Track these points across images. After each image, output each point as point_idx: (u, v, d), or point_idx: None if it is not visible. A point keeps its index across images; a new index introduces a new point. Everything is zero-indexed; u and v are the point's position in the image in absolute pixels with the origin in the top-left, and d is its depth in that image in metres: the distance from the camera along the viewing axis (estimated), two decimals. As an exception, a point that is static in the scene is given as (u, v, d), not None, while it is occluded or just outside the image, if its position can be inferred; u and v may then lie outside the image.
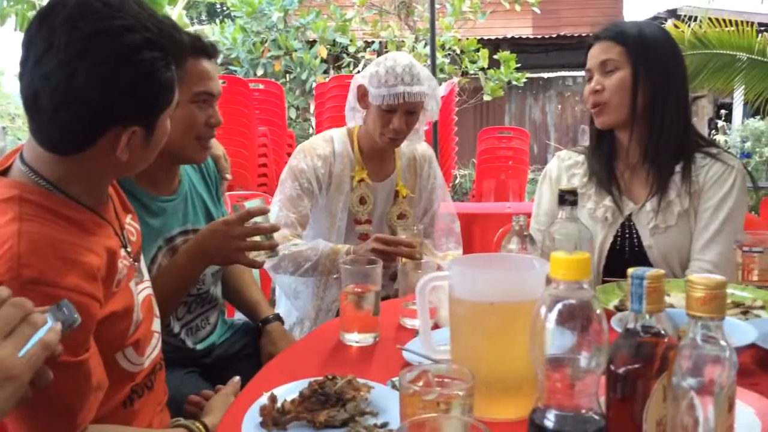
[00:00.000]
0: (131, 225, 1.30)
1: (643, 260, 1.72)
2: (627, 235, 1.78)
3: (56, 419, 1.02)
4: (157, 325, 1.30)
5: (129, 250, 1.22)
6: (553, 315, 0.73)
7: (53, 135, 1.08)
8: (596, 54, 1.76)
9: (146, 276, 1.31)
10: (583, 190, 1.83)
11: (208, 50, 1.56)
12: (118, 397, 1.17)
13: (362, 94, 2.12)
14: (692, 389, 0.70)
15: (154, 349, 1.28)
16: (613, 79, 1.72)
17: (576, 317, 0.73)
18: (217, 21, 9.51)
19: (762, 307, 1.40)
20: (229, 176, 1.83)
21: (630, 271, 0.76)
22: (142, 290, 1.25)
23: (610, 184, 1.80)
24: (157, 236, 1.55)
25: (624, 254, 1.77)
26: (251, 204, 1.53)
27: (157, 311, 1.31)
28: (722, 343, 0.70)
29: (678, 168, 1.75)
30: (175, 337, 1.63)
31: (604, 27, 1.79)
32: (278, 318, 1.81)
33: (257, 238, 1.52)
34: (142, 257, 1.33)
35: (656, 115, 1.72)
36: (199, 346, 1.71)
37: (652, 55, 1.71)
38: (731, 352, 0.71)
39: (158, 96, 1.11)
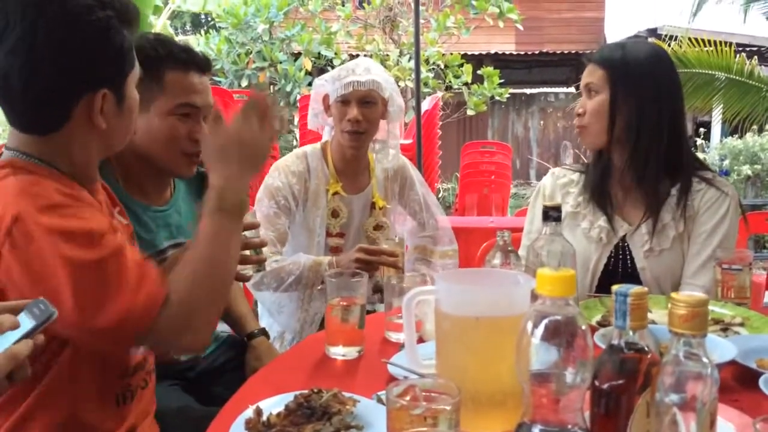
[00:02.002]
0: (117, 219, 1.29)
1: (636, 282, 1.70)
2: (620, 257, 1.78)
3: (143, 280, 1.06)
4: None
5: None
6: (539, 330, 0.74)
7: (30, 114, 1.11)
8: (583, 77, 1.78)
9: None
10: (578, 209, 1.83)
11: (200, 64, 1.54)
12: (114, 388, 1.19)
13: (326, 104, 2.16)
14: (675, 405, 0.71)
15: None
16: (592, 102, 1.74)
17: (562, 333, 0.73)
18: (202, 32, 9.49)
19: (741, 324, 1.42)
20: None
21: (614, 288, 0.77)
22: None
23: (605, 204, 1.80)
24: (148, 247, 1.54)
25: (617, 275, 1.76)
26: None
27: None
28: (704, 359, 0.72)
29: (674, 191, 1.75)
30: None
31: (596, 50, 1.82)
32: (264, 332, 1.81)
33: (246, 252, 1.51)
34: None
35: (635, 139, 1.72)
36: (183, 357, 1.70)
37: (635, 80, 1.71)
38: (713, 369, 0.72)
39: (120, 55, 1.13)
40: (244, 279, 1.58)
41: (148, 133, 1.50)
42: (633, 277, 1.74)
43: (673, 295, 0.72)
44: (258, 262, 1.55)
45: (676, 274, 1.75)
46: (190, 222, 1.70)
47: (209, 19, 11.77)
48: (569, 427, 0.75)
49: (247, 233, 1.48)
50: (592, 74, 1.75)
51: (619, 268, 1.77)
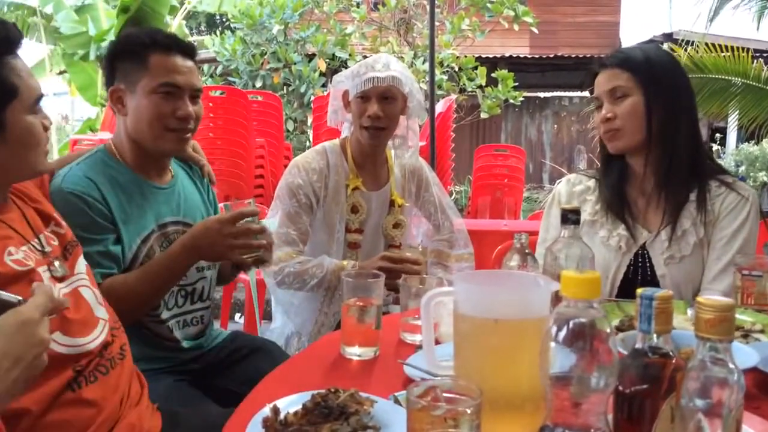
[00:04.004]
0: (53, 232, 1.34)
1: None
2: (640, 264, 1.76)
3: None
4: (102, 312, 1.33)
5: (47, 250, 1.26)
6: (563, 333, 0.73)
7: None
8: (604, 81, 1.74)
9: (80, 270, 1.34)
10: (596, 217, 1.81)
11: (183, 48, 1.65)
12: (59, 379, 1.19)
13: (346, 101, 2.16)
14: (700, 411, 0.70)
15: (100, 334, 1.30)
16: (624, 105, 1.70)
17: (586, 336, 0.73)
18: (217, 32, 9.53)
19: (761, 331, 1.41)
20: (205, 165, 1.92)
21: (639, 291, 0.76)
22: (70, 284, 1.29)
23: (624, 212, 1.78)
24: (150, 219, 1.64)
25: (636, 283, 1.74)
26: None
27: (97, 300, 1.34)
28: (730, 365, 0.71)
29: (693, 196, 1.73)
30: (162, 323, 1.66)
31: (609, 54, 1.78)
32: None
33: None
34: (81, 258, 1.37)
35: (669, 139, 1.70)
36: (186, 344, 1.72)
37: (662, 79, 1.70)
38: (739, 375, 0.71)
39: None
40: (245, 263, 1.64)
41: (136, 113, 1.62)
42: (653, 285, 1.72)
43: (700, 299, 0.72)
44: (258, 247, 1.61)
45: (696, 280, 1.72)
46: (195, 203, 1.79)
47: (224, 19, 11.83)
48: (592, 431, 0.74)
49: (248, 219, 1.57)
50: (616, 78, 1.71)
51: (638, 276, 1.75)
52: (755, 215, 1.72)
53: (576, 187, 1.89)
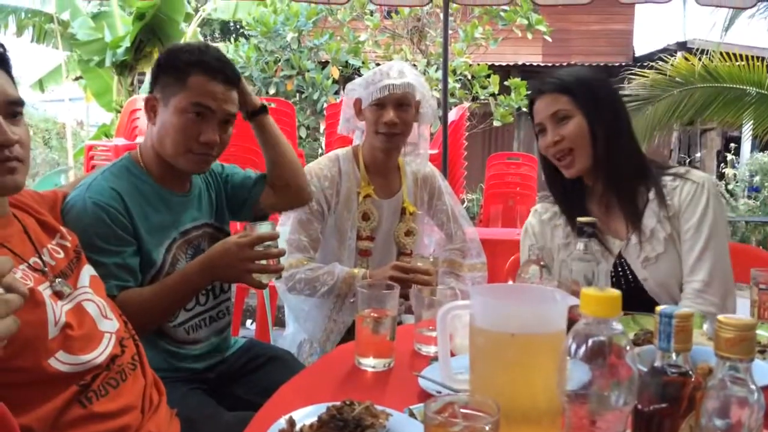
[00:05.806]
0: (58, 245, 1.34)
1: (641, 293, 1.74)
2: (621, 273, 1.79)
3: None
4: (107, 325, 1.32)
5: (46, 269, 1.26)
6: (582, 351, 0.73)
7: None
8: (544, 107, 1.78)
9: (83, 284, 1.33)
10: (569, 239, 1.84)
11: (228, 76, 1.65)
12: (62, 397, 1.19)
13: (358, 108, 2.16)
14: (720, 430, 0.70)
15: (106, 348, 1.29)
16: (568, 127, 1.75)
17: (605, 354, 0.73)
18: (231, 39, 9.59)
19: (779, 346, 1.39)
20: None
21: (659, 308, 0.76)
22: (73, 299, 1.27)
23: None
24: (171, 228, 1.65)
25: (621, 292, 1.75)
26: (263, 228, 1.60)
27: (102, 313, 1.32)
28: (751, 385, 0.71)
29: (651, 195, 1.77)
30: (179, 326, 1.66)
31: (543, 81, 1.82)
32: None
33: (263, 262, 1.58)
34: (84, 270, 1.36)
35: (614, 150, 1.74)
36: (196, 349, 1.71)
37: (597, 95, 1.75)
38: (759, 394, 0.71)
39: None
40: (261, 286, 1.64)
41: (163, 127, 1.62)
42: (637, 290, 1.74)
43: (721, 318, 0.71)
44: (276, 271, 1.61)
45: (678, 275, 1.74)
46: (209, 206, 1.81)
47: (238, 27, 11.90)
48: (610, 449, 0.74)
49: (267, 243, 1.57)
50: (556, 102, 1.76)
51: (622, 284, 1.77)
52: (715, 198, 1.74)
53: (544, 216, 1.94)
